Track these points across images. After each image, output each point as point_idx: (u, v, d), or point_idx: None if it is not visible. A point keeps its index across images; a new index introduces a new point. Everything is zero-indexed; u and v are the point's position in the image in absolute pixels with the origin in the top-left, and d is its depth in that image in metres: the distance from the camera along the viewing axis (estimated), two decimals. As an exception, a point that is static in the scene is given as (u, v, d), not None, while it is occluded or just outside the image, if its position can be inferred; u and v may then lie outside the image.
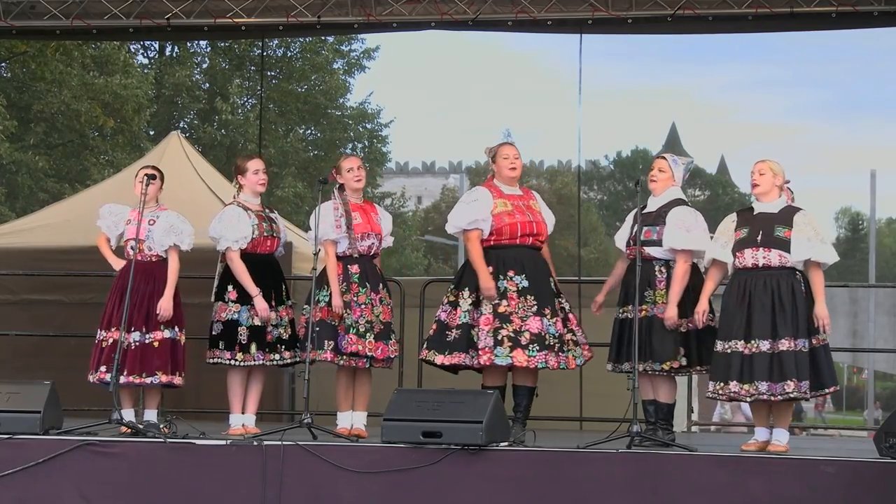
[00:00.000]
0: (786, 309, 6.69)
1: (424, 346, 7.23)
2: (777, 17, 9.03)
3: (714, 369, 6.85)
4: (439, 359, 7.08)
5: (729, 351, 6.75)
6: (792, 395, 6.67)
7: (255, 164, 7.64)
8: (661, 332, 6.97)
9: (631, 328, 6.94)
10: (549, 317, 7.06)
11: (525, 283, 7.07)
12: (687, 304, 7.00)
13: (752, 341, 6.69)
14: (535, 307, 7.04)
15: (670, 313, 6.93)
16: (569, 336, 7.16)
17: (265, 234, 7.50)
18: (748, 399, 6.74)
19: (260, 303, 7.35)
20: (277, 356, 7.47)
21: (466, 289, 7.13)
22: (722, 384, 6.76)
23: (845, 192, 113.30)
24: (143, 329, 7.27)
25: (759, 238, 6.82)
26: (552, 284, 7.21)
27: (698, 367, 7.05)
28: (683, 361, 6.97)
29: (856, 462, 6.35)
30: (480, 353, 6.98)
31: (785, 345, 6.65)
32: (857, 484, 6.23)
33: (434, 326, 7.18)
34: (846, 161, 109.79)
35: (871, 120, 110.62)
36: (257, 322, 7.38)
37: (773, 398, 6.67)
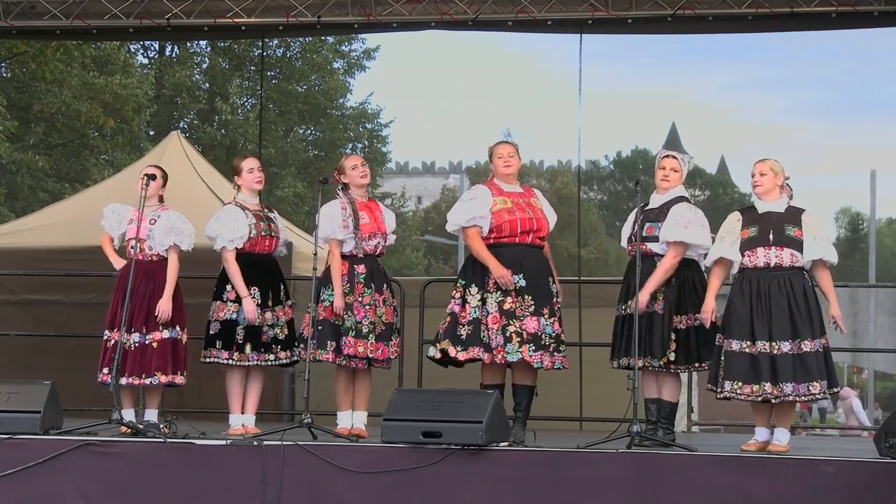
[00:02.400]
0: (801, 309, 6.70)
1: (440, 338, 7.16)
2: (777, 17, 9.02)
3: (729, 369, 6.79)
4: (452, 351, 7.08)
5: (748, 351, 6.74)
6: (818, 397, 6.72)
7: (249, 163, 7.64)
8: (659, 328, 6.97)
9: (632, 324, 6.95)
10: (546, 317, 7.06)
11: (523, 283, 7.07)
12: (686, 301, 7.00)
13: (776, 342, 6.69)
14: (533, 307, 7.04)
15: (642, 298, 6.92)
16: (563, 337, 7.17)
17: (262, 233, 7.50)
18: (774, 400, 6.72)
19: (248, 304, 7.34)
20: (272, 356, 7.47)
21: (473, 285, 7.13)
22: (740, 384, 6.75)
23: (845, 192, 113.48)
24: (143, 330, 7.28)
25: (770, 237, 6.81)
26: (550, 284, 7.21)
27: (693, 364, 7.04)
28: (672, 357, 6.97)
29: (856, 462, 6.35)
30: (495, 352, 7.01)
31: (808, 346, 6.67)
32: (857, 484, 6.23)
33: (448, 319, 7.17)
34: (846, 161, 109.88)
35: (871, 120, 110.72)
36: (257, 322, 7.38)
37: (797, 399, 6.70)
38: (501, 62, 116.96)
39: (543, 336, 7.03)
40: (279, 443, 6.67)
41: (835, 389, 6.78)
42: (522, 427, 7.11)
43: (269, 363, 7.48)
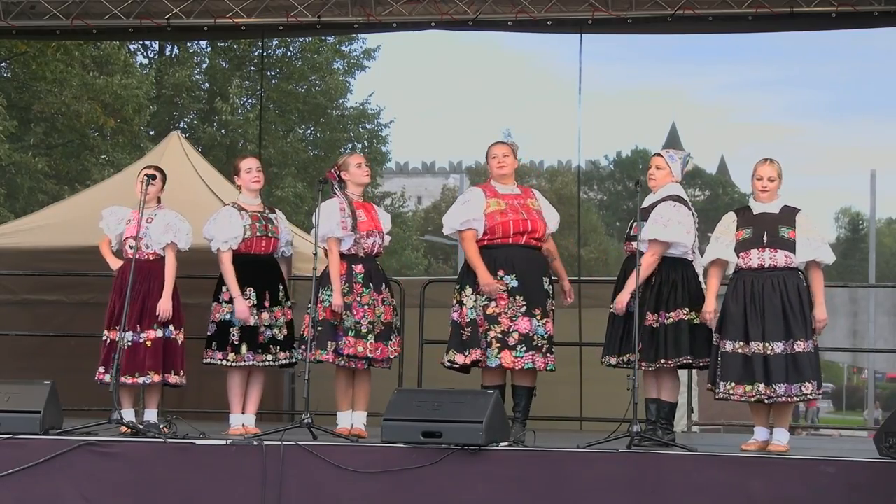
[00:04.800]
0: (795, 310, 6.71)
1: (447, 348, 7.18)
2: (777, 17, 9.02)
3: (724, 370, 6.80)
4: (459, 358, 7.08)
5: (741, 352, 6.75)
6: (810, 397, 6.74)
7: (247, 163, 7.64)
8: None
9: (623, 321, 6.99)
10: (538, 317, 7.06)
11: (515, 283, 7.07)
12: (661, 299, 7.00)
13: (769, 343, 6.70)
14: (525, 307, 7.04)
15: (621, 298, 6.95)
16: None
17: (258, 234, 7.49)
18: (767, 401, 6.73)
19: (239, 304, 7.33)
20: (270, 357, 7.45)
21: (468, 287, 7.13)
22: (733, 384, 6.76)
23: (845, 192, 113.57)
24: (137, 328, 7.28)
25: (764, 239, 6.82)
26: (546, 285, 7.21)
27: (659, 362, 7.00)
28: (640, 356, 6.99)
29: (856, 462, 6.36)
30: (482, 356, 7.03)
31: (800, 346, 6.68)
32: (857, 484, 6.23)
33: (450, 329, 7.19)
34: (846, 161, 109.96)
35: (870, 120, 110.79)
36: (251, 322, 7.38)
37: (789, 399, 6.70)
38: (501, 62, 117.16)
39: (536, 337, 7.03)
40: (279, 443, 6.66)
41: (821, 390, 6.79)
42: (522, 427, 7.11)
43: (267, 363, 7.48)
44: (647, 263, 6.97)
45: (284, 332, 7.53)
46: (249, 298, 7.39)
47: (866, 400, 32.57)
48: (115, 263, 7.47)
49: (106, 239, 7.57)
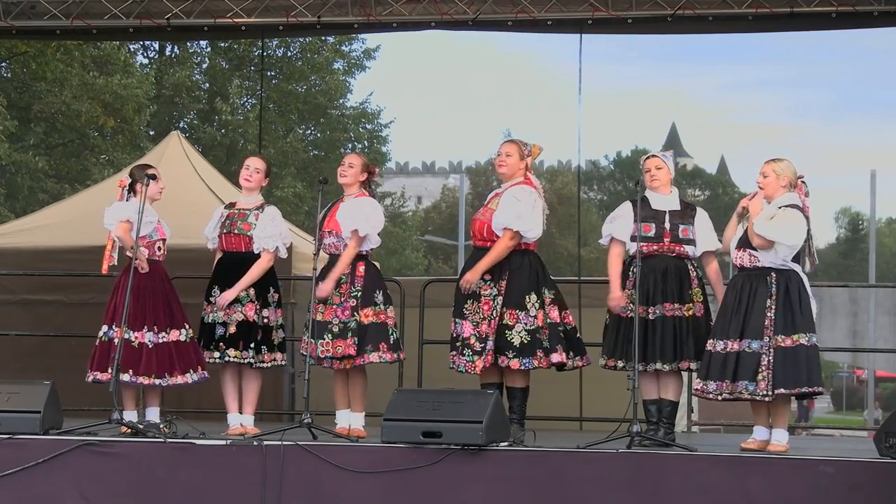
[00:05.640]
0: (793, 307, 6.70)
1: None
2: (777, 17, 9.02)
3: (702, 368, 6.85)
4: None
5: (720, 350, 6.75)
6: (807, 392, 6.73)
7: (246, 162, 7.66)
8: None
9: (657, 327, 7.01)
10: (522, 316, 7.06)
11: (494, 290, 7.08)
12: (656, 290, 7.03)
13: (745, 340, 6.70)
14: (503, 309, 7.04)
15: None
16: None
17: (225, 231, 7.45)
18: (767, 399, 6.73)
19: (226, 294, 7.31)
20: (218, 354, 7.37)
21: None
22: (706, 382, 6.78)
23: (845, 192, 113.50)
24: (155, 329, 7.26)
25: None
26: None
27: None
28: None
29: (856, 462, 6.36)
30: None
31: (802, 340, 6.68)
32: (857, 484, 6.24)
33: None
34: (846, 161, 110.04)
35: (870, 120, 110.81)
36: (239, 319, 7.36)
37: (719, 398, 6.74)
38: (501, 62, 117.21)
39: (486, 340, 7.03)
40: (279, 443, 6.67)
41: (813, 389, 6.74)
42: (520, 428, 7.10)
43: (215, 360, 7.39)
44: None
45: (233, 329, 7.38)
46: (214, 296, 7.38)
47: (866, 400, 32.54)
48: (143, 264, 7.26)
49: (116, 235, 7.32)
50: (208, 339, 7.41)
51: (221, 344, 7.37)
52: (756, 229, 6.72)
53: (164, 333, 7.27)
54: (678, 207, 7.17)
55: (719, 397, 6.74)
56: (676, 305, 7.02)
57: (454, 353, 7.11)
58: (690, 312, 7.03)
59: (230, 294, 7.31)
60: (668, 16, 9.10)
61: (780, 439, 6.77)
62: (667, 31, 9.54)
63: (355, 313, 7.20)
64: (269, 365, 7.49)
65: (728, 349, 6.71)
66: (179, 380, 7.31)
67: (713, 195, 59.12)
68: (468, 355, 7.02)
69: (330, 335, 7.20)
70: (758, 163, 7.01)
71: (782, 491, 6.27)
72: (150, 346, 7.22)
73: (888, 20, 8.93)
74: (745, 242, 6.84)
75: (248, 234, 7.45)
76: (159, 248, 7.39)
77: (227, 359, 7.37)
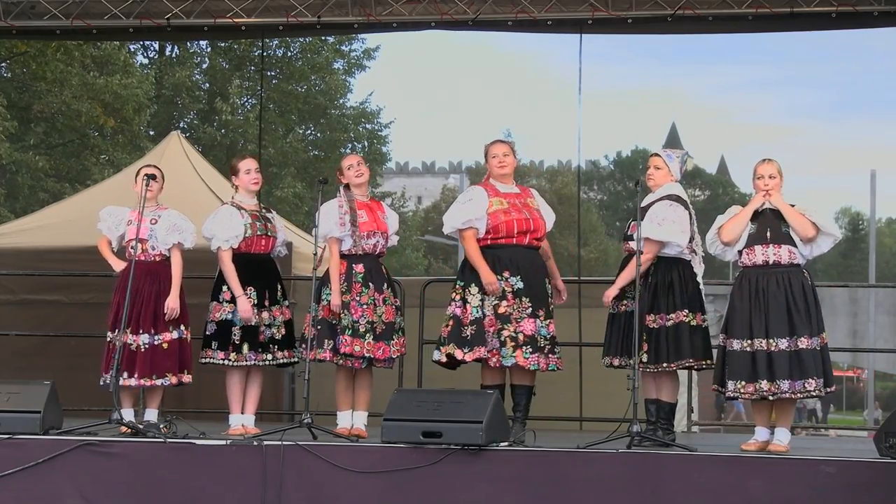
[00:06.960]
0: (800, 307, 6.72)
1: (443, 342, 7.13)
2: (777, 17, 9.03)
3: (731, 369, 6.82)
4: (459, 353, 7.05)
5: (748, 350, 6.75)
6: (813, 394, 6.75)
7: (246, 164, 7.64)
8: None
9: (623, 322, 7.01)
10: (542, 318, 7.06)
11: (521, 285, 7.07)
12: (659, 301, 7.00)
13: (772, 339, 6.71)
14: (530, 309, 7.04)
15: (609, 293, 7.04)
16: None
17: (258, 233, 7.49)
18: (771, 398, 6.73)
19: (242, 303, 7.34)
20: (270, 356, 7.46)
21: (473, 285, 7.12)
22: (743, 383, 6.76)
23: (845, 192, 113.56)
24: (152, 331, 7.29)
25: (768, 235, 6.85)
26: (546, 285, 7.21)
27: (661, 364, 7.00)
28: (644, 358, 6.96)
29: (856, 462, 6.35)
30: (490, 355, 7.02)
31: (804, 343, 6.70)
32: (857, 484, 6.23)
33: (450, 322, 7.13)
34: (846, 161, 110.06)
35: (870, 120, 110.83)
36: (253, 322, 7.38)
37: (793, 395, 6.71)
38: (501, 62, 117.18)
39: (539, 338, 7.03)
40: (279, 443, 6.66)
41: (829, 389, 6.79)
42: (522, 427, 7.11)
43: (267, 363, 7.48)
44: (642, 261, 6.96)
45: (283, 331, 7.53)
46: (251, 297, 7.40)
47: (866, 400, 32.54)
48: (118, 265, 7.46)
49: (104, 239, 7.56)
50: (252, 340, 7.41)
51: (272, 346, 7.47)
52: (820, 221, 6.83)
53: (158, 335, 7.30)
54: (646, 205, 7.16)
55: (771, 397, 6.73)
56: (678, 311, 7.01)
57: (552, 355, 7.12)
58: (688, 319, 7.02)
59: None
60: (668, 16, 9.10)
61: (781, 439, 6.78)
62: (667, 31, 9.53)
63: (398, 312, 7.47)
64: (286, 361, 7.60)
65: (790, 347, 6.70)
66: (173, 380, 7.36)
67: (713, 195, 59.14)
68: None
69: (372, 335, 7.27)
70: (758, 163, 7.06)
71: (782, 491, 6.26)
72: (145, 349, 7.26)
73: (888, 20, 8.93)
74: (784, 238, 6.82)
75: (276, 235, 7.62)
76: (134, 248, 7.36)
77: (277, 361, 7.51)
